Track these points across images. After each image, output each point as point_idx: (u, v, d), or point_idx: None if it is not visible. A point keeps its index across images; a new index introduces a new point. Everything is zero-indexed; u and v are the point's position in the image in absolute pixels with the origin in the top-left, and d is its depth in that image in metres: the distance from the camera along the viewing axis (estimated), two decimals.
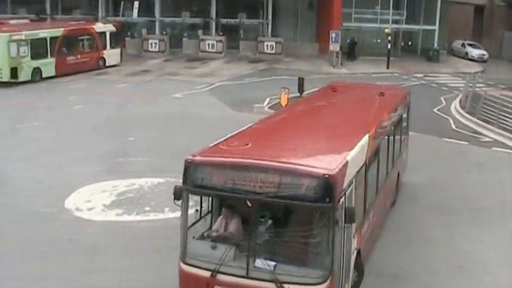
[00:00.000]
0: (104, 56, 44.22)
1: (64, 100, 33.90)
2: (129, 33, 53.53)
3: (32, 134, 26.36)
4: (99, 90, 37.05)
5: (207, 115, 29.83)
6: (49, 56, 40.03)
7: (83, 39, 43.17)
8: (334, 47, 46.42)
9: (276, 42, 51.12)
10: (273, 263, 11.11)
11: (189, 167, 11.45)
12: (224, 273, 11.26)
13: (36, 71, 39.08)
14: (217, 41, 51.47)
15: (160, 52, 51.24)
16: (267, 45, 51.12)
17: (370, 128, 14.50)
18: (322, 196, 10.90)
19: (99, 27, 44.73)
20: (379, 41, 52.88)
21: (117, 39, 45.63)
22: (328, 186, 10.92)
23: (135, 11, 53.67)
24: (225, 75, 42.92)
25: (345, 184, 11.54)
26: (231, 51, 51.72)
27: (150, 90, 37.30)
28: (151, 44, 51.88)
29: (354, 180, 12.18)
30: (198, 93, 36.73)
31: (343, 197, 11.38)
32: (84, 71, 41.88)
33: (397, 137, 18.25)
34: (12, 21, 47.92)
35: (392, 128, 17.14)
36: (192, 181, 11.45)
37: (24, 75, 38.40)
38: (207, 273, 11.27)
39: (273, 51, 50.75)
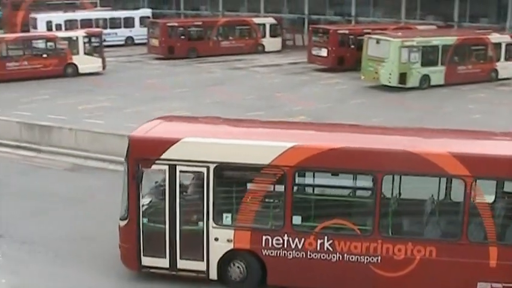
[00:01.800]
0: (497, 67, 43.08)
1: (462, 108, 34.58)
2: None
3: None
4: (499, 101, 36.90)
5: None
6: (439, 64, 40.53)
7: (476, 49, 42.56)
8: None
9: None
10: None
11: None
12: None
13: (425, 78, 40.03)
14: None
15: None
16: None
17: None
18: (126, 151, 15.05)
19: (495, 37, 43.56)
20: None
21: None
22: (128, 144, 15.03)
23: None
24: None
25: (167, 155, 14.56)
26: None
27: None
28: None
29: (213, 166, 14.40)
30: None
31: (162, 165, 14.63)
32: (474, 82, 41.33)
33: None
34: (420, 27, 49.50)
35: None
36: None
37: (412, 81, 39.71)
38: None
39: None
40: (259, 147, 14.48)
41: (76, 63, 44.70)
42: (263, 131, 16.45)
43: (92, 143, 25.15)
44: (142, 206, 15.02)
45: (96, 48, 45.62)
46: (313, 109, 34.13)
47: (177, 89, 39.45)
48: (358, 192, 15.37)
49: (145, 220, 15.01)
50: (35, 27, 57.63)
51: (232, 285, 15.08)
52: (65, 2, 69.90)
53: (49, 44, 45.52)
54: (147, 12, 63.58)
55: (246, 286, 15.00)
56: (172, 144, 14.53)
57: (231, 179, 14.86)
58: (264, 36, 56.37)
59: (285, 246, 14.45)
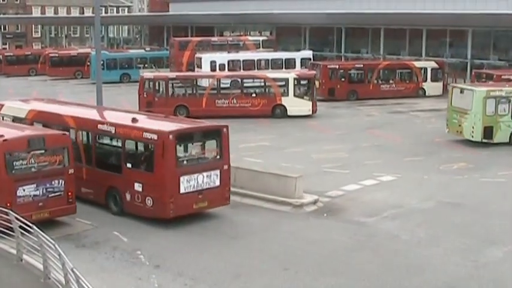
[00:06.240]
0: None
1: None
2: None
3: None
4: None
5: None
6: None
7: None
8: None
9: None
10: None
11: None
12: None
13: None
14: None
15: None
16: None
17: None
18: None
19: None
20: None
21: None
22: None
23: None
24: None
25: (2, 111, 28.23)
26: None
27: None
28: None
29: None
30: None
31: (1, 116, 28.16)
32: None
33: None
34: None
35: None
36: None
37: (500, 136, 35.58)
38: None
39: None
40: (22, 109, 27.47)
41: (285, 104, 44.95)
42: (41, 104, 29.55)
43: (251, 181, 25.66)
44: None
45: (307, 91, 45.44)
46: (474, 156, 33.28)
47: (336, 131, 39.78)
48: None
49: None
50: (200, 67, 59.93)
51: None
52: (229, 43, 72.44)
53: (259, 84, 46.52)
54: (308, 54, 64.50)
55: None
56: (2, 106, 28.33)
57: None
58: (425, 80, 55.86)
59: None
